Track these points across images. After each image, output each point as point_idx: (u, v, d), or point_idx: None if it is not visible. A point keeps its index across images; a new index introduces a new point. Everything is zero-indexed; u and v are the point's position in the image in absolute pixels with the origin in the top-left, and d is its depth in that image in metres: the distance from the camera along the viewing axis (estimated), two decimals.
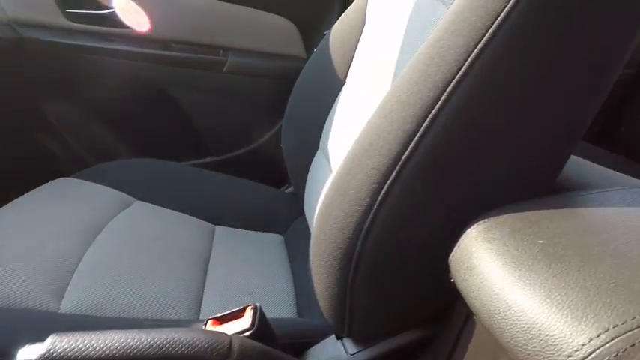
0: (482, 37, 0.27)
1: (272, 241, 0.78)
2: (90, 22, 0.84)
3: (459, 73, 0.27)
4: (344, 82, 0.72)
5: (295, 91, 0.83)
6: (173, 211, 0.75)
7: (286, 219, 0.82)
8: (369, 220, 0.29)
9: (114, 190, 0.73)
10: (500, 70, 0.27)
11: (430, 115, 0.28)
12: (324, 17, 0.91)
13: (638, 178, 1.07)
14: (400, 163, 0.28)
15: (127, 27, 0.84)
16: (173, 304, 0.49)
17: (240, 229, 0.78)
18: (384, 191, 0.29)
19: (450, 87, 0.27)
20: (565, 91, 0.30)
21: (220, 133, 0.94)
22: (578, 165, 0.86)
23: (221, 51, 0.89)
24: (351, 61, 0.72)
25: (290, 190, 0.96)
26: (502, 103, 0.28)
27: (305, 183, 0.78)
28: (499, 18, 0.27)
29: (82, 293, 0.46)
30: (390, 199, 0.28)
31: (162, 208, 0.74)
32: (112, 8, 0.83)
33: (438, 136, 0.28)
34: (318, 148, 0.76)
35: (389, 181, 0.28)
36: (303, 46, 0.93)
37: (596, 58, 0.29)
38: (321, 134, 0.75)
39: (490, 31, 0.27)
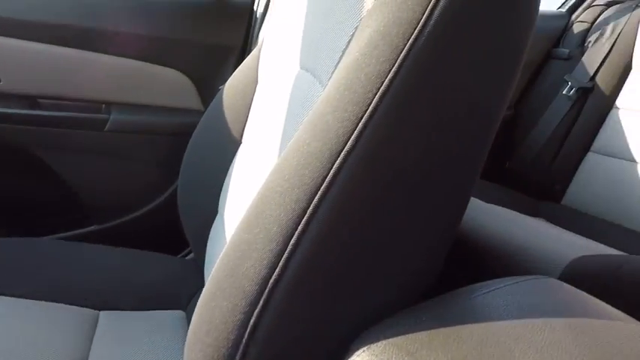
0: (345, 144, 0.25)
1: (170, 322, 0.69)
2: None
3: (324, 184, 0.25)
4: (240, 142, 0.68)
5: (190, 149, 0.77)
6: (41, 302, 0.62)
7: (188, 291, 0.74)
8: (238, 357, 0.25)
9: None
10: (366, 179, 0.25)
11: (297, 232, 0.25)
12: (219, 70, 0.87)
13: (521, 205, 1.18)
14: (268, 289, 0.24)
15: None
16: None
17: (132, 310, 0.68)
18: (252, 321, 0.25)
19: (315, 199, 0.25)
20: (449, 157, 0.29)
21: (105, 198, 0.83)
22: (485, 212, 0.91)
23: (103, 106, 0.80)
24: (247, 119, 0.69)
25: (191, 256, 0.88)
26: (380, 209, 0.26)
27: (206, 250, 0.72)
28: (360, 124, 0.25)
29: None
30: (260, 330, 0.24)
31: (26, 301, 0.62)
32: None
33: (307, 254, 0.25)
34: (217, 212, 0.70)
35: (257, 310, 0.24)
36: (199, 99, 0.88)
37: (478, 112, 0.29)
38: (219, 197, 0.70)
39: (351, 138, 0.25)
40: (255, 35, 0.84)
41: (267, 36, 0.67)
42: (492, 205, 1.01)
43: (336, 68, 0.34)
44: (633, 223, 1.00)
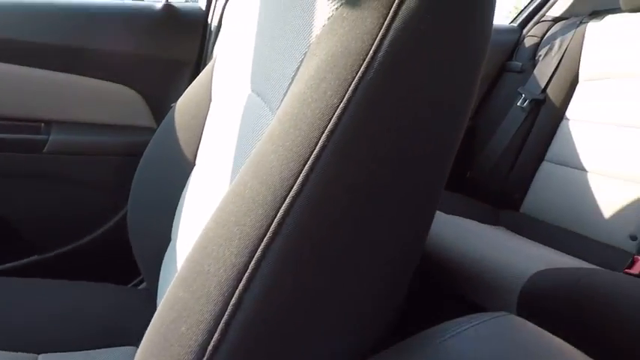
0: (290, 189, 0.23)
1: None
2: None
3: (267, 235, 0.22)
4: (194, 164, 0.65)
5: (140, 172, 0.72)
6: None
7: (139, 324, 0.68)
8: None
9: None
10: (312, 222, 0.23)
11: (238, 290, 0.22)
12: (173, 86, 0.83)
13: (483, 214, 1.21)
14: (206, 357, 0.21)
15: None
16: None
17: (76, 350, 0.62)
18: None
19: (258, 252, 0.22)
20: (408, 198, 0.28)
21: (46, 225, 0.76)
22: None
23: (42, 126, 0.73)
24: (200, 139, 0.65)
25: (144, 285, 0.82)
26: (326, 251, 0.24)
27: (159, 279, 0.67)
28: (306, 166, 0.23)
29: None
30: None
31: None
32: None
33: (250, 313, 0.22)
34: (171, 238, 0.65)
35: None
36: (151, 116, 0.83)
37: (435, 139, 0.28)
38: (173, 221, 0.65)
39: (297, 182, 0.23)
40: (209, 49, 0.81)
41: (221, 52, 0.64)
42: (454, 217, 1.02)
43: (285, 96, 0.32)
44: (585, 229, 1.04)
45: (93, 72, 0.77)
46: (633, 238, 0.96)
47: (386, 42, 0.25)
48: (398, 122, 0.26)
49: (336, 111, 0.23)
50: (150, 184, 0.70)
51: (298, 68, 0.31)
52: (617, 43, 1.08)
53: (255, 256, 0.22)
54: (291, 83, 0.31)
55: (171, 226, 0.65)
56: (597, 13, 1.20)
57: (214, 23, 0.80)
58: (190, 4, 0.84)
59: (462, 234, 0.89)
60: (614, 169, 1.03)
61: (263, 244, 0.22)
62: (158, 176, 0.70)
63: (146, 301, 0.70)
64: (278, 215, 0.22)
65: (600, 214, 1.03)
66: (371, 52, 0.24)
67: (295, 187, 0.23)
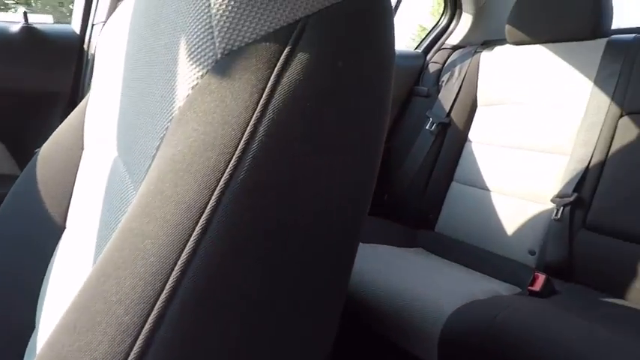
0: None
1: None
2: None
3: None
4: (64, 226, 0.53)
5: None
6: None
7: None
8: None
9: None
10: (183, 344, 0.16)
11: None
12: (42, 124, 0.68)
13: (401, 236, 1.21)
14: None
15: None
16: None
17: None
18: None
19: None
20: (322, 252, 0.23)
21: None
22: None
23: None
24: (71, 196, 0.53)
25: None
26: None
27: None
28: (163, 297, 0.16)
29: None
30: None
31: None
32: None
33: None
34: (34, 325, 0.52)
35: None
36: (13, 162, 0.67)
37: (334, 217, 0.23)
38: (36, 303, 0.52)
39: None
40: (86, 81, 0.68)
41: (94, 88, 0.53)
42: (374, 246, 1.01)
43: (142, 183, 0.24)
44: (492, 246, 1.10)
45: None
46: (532, 252, 1.03)
47: (261, 127, 0.19)
48: (285, 220, 0.20)
49: (193, 231, 0.17)
50: (5, 251, 0.56)
51: (159, 147, 0.24)
52: (506, 73, 1.17)
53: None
54: (150, 165, 0.24)
55: (35, 308, 0.52)
56: (488, 44, 1.30)
57: (92, 50, 0.68)
58: (61, 27, 0.70)
59: (383, 268, 0.87)
60: (511, 188, 1.10)
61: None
62: (17, 242, 0.56)
63: None
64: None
65: (504, 231, 1.09)
66: (242, 142, 0.18)
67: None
